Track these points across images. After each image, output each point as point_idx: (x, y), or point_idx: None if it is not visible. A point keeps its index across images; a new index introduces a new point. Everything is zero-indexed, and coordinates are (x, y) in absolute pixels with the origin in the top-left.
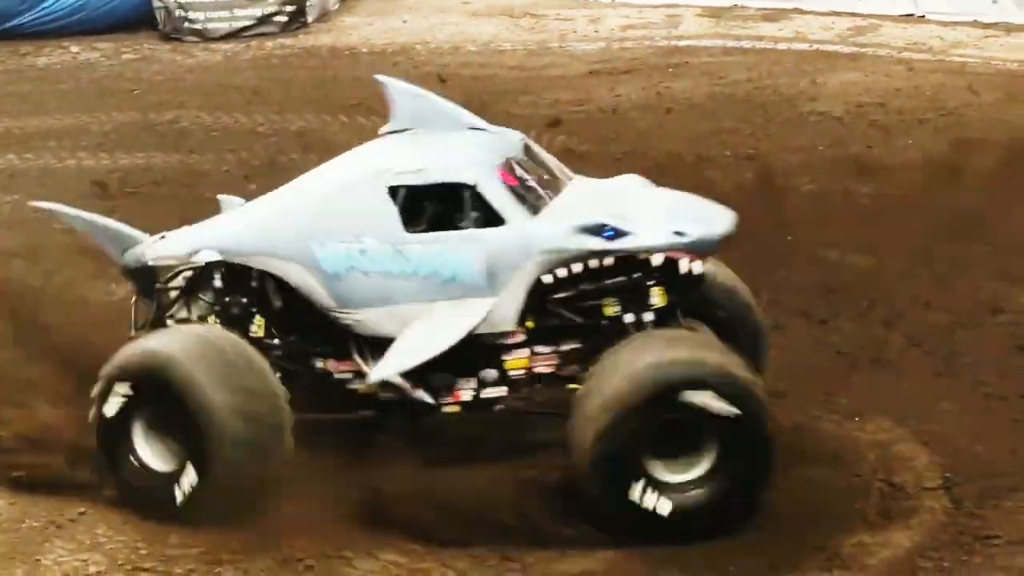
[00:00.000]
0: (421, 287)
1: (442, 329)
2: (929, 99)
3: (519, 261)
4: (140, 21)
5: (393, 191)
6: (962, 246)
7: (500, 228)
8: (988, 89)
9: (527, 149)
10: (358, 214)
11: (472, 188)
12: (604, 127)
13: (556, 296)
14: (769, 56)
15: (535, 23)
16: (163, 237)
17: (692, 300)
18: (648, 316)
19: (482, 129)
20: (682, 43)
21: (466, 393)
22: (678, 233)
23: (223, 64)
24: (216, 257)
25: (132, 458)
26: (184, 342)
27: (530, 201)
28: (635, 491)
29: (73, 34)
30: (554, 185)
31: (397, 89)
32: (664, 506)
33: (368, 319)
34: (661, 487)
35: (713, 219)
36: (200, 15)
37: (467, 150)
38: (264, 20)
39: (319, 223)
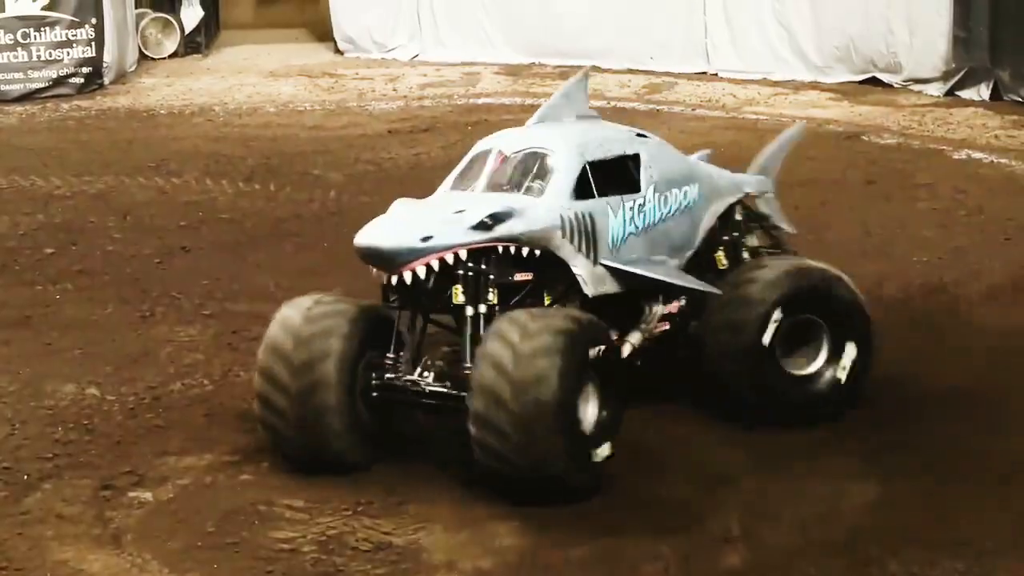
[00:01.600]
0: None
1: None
2: (723, 155)
3: None
4: None
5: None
6: None
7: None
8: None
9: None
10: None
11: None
12: (405, 185)
13: None
14: None
15: (334, 83)
16: None
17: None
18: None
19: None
20: (480, 101)
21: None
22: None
23: (18, 126)
24: None
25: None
26: None
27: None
28: None
29: None
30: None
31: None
32: None
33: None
34: None
35: (372, 234)
36: None
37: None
38: (60, 82)
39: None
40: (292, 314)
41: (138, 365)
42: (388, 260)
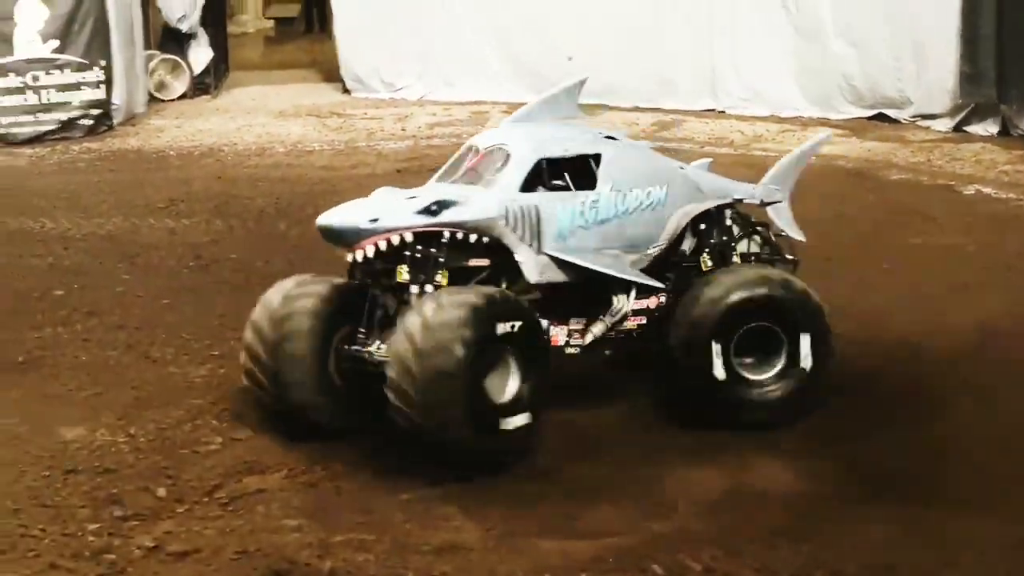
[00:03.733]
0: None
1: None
2: None
3: None
4: None
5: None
6: None
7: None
8: None
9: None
10: None
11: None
12: None
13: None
14: None
15: (342, 123)
16: None
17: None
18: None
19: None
20: None
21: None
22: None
23: (28, 169)
24: None
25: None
26: None
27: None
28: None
29: None
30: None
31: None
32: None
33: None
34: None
35: (334, 213)
36: (2, 120)
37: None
38: (69, 124)
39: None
40: (272, 295)
41: (148, 407)
42: (340, 238)
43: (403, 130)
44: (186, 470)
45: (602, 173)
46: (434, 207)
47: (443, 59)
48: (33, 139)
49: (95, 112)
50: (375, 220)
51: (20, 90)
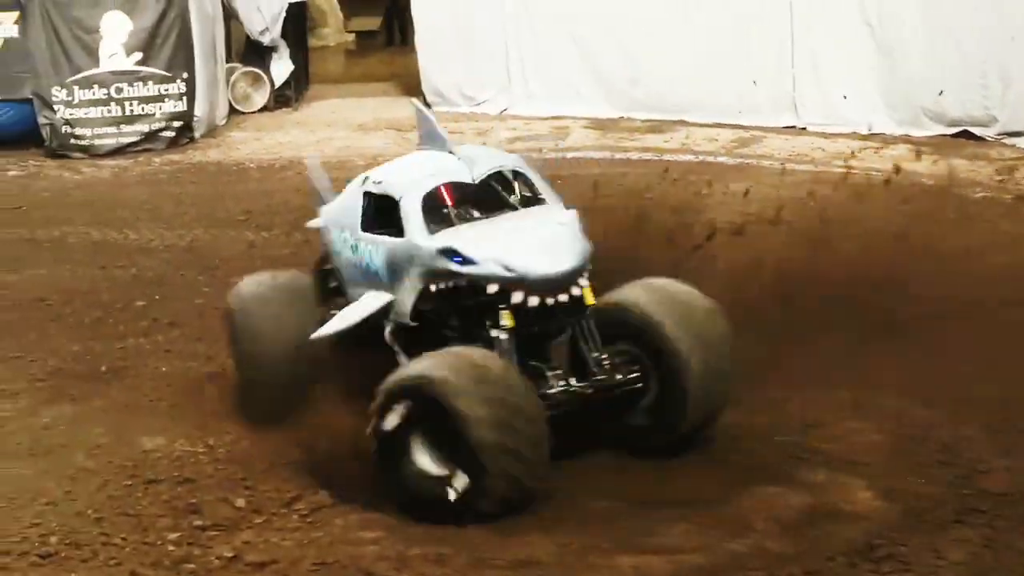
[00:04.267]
0: (363, 274)
1: (352, 311)
2: (815, 209)
3: (408, 269)
4: (26, 138)
5: (366, 195)
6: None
7: (400, 239)
8: (869, 199)
9: (501, 174)
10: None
11: (397, 202)
12: None
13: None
14: (656, 167)
15: None
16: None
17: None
18: (497, 334)
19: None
20: (569, 155)
21: None
22: (507, 268)
23: (110, 180)
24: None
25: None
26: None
27: (449, 220)
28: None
29: None
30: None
31: (422, 115)
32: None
33: (349, 295)
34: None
35: (552, 258)
36: (87, 131)
37: (423, 169)
38: (151, 136)
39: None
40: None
41: (226, 418)
42: (569, 280)
43: (484, 143)
44: (264, 481)
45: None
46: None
47: (525, 73)
48: (116, 151)
49: (177, 124)
50: (582, 254)
51: (104, 102)
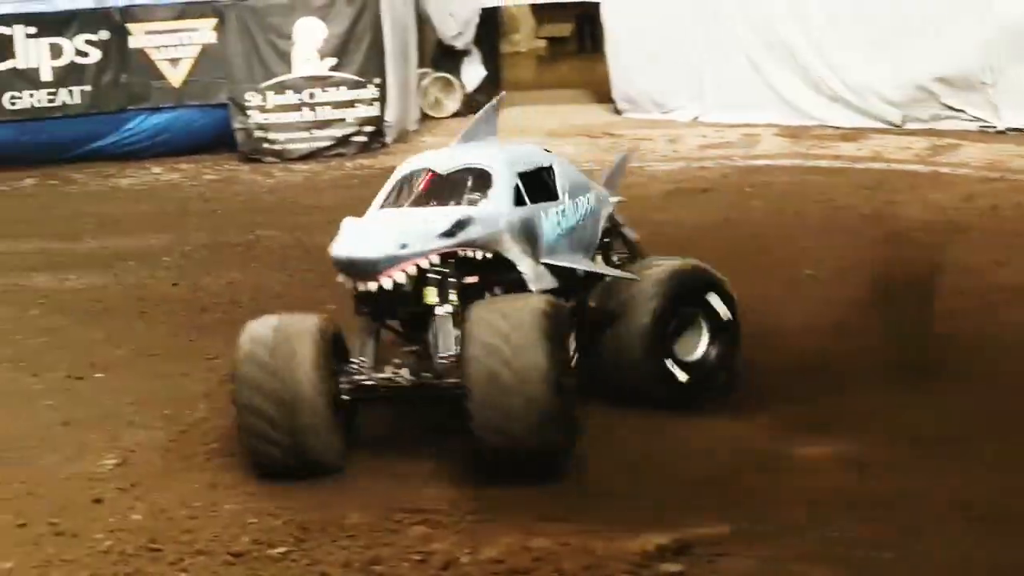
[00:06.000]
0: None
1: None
2: (1012, 220)
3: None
4: (220, 143)
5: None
6: None
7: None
8: None
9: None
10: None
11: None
12: (685, 245)
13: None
14: (847, 176)
15: (613, 143)
16: None
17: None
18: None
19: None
20: (760, 163)
21: None
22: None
23: (302, 184)
24: None
25: None
26: None
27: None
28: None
29: (155, 156)
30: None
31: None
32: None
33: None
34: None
35: (353, 244)
36: (280, 136)
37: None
38: (343, 141)
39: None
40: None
41: None
42: (368, 268)
43: (674, 151)
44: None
45: (559, 184)
46: (454, 228)
47: (716, 81)
48: (308, 155)
49: (369, 129)
50: (404, 246)
51: (297, 107)
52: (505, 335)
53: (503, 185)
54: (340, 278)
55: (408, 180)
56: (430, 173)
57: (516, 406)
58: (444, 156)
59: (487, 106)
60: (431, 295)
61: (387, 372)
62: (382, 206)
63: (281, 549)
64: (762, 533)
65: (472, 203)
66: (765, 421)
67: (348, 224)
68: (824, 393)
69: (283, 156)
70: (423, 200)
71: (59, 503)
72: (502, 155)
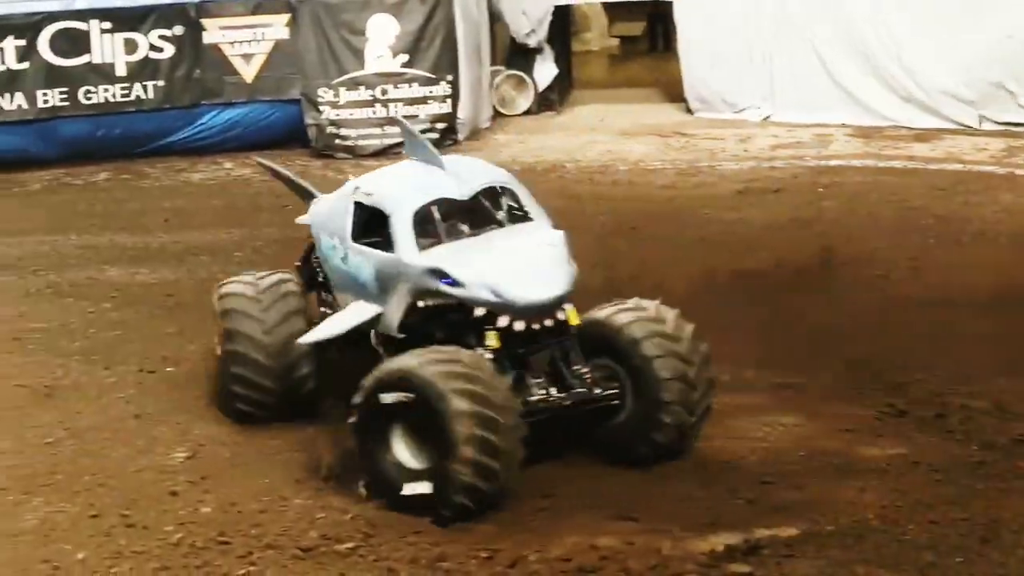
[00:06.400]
0: (352, 283)
1: (338, 320)
2: None
3: (397, 284)
4: (292, 138)
5: (357, 205)
6: None
7: (389, 254)
8: None
9: (494, 191)
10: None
11: (388, 217)
12: (755, 245)
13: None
14: (920, 177)
15: (685, 142)
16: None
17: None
18: (482, 352)
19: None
20: (832, 163)
21: None
22: (495, 293)
23: None
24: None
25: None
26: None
27: (439, 237)
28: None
29: (227, 150)
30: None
31: (405, 128)
32: None
33: (338, 300)
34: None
35: (540, 286)
36: (351, 132)
37: (413, 183)
38: None
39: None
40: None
41: None
42: (555, 305)
43: (745, 151)
44: None
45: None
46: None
47: (788, 80)
48: (380, 152)
49: (441, 126)
50: (568, 276)
51: (369, 103)
52: (663, 328)
53: (529, 200)
54: (503, 320)
55: (424, 215)
56: (448, 202)
57: (696, 398)
58: (448, 182)
59: (405, 129)
60: (574, 316)
61: (540, 392)
62: (421, 248)
63: (349, 544)
64: (832, 535)
65: (516, 220)
66: (837, 423)
67: (493, 266)
68: (897, 395)
69: (355, 152)
70: (475, 229)
71: (130, 495)
72: (500, 170)
